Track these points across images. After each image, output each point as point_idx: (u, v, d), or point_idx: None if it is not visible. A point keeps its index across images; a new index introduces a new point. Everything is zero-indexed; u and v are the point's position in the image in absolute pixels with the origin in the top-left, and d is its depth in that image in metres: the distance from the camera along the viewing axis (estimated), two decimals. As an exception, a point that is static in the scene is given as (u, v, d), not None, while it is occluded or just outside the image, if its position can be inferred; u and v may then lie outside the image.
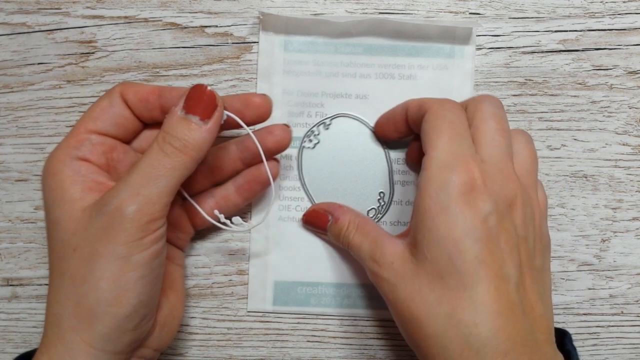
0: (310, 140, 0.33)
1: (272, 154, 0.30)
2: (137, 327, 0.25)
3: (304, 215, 0.33)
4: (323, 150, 0.34)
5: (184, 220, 0.31)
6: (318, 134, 0.33)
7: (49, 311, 0.26)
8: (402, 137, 0.32)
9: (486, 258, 0.24)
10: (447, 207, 0.24)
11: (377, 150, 0.34)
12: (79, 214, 0.25)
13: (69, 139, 0.27)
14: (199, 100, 0.25)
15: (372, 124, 0.33)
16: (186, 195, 0.30)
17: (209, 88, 0.25)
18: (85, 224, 0.25)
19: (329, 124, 0.33)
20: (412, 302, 0.25)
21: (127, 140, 0.29)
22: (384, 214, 0.34)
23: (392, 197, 0.34)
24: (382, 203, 0.34)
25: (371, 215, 0.33)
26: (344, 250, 0.32)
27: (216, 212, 0.29)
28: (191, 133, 0.25)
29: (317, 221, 0.32)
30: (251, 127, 0.29)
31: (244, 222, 0.30)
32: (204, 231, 0.34)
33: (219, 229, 0.31)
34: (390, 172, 0.34)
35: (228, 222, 0.29)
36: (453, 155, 0.25)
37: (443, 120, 0.26)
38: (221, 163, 0.31)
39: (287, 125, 0.30)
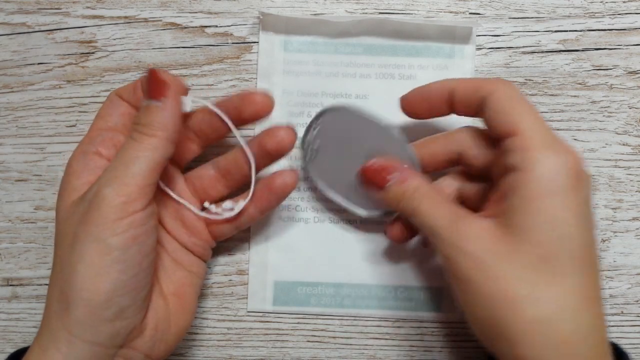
0: (309, 153, 0.32)
1: (275, 157, 0.30)
2: (116, 319, 0.25)
3: (364, 168, 0.29)
4: (326, 153, 0.32)
5: (200, 226, 0.31)
6: (313, 142, 0.32)
7: (46, 301, 0.27)
8: (436, 116, 0.30)
9: (592, 245, 0.24)
10: (559, 191, 0.24)
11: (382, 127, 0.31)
12: (70, 204, 0.26)
13: (84, 138, 0.29)
14: (151, 84, 0.26)
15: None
16: (164, 186, 0.30)
17: (160, 71, 0.27)
18: (72, 211, 0.26)
19: (317, 127, 0.32)
20: (509, 282, 0.24)
21: None
22: None
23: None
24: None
25: None
26: (344, 250, 0.32)
27: (206, 204, 0.31)
28: (151, 114, 0.26)
29: (376, 176, 0.29)
30: (248, 132, 0.29)
31: (232, 206, 0.30)
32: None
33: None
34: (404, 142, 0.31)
35: (213, 207, 0.30)
36: (551, 136, 0.25)
37: (523, 99, 0.26)
38: (230, 167, 0.30)
39: (291, 127, 0.29)
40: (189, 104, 0.28)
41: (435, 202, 0.27)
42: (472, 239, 0.25)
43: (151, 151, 0.25)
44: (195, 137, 0.30)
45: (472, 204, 0.29)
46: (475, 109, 0.27)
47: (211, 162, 0.31)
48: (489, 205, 0.27)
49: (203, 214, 0.30)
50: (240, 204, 0.30)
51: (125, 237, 0.25)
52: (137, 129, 0.26)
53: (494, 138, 0.27)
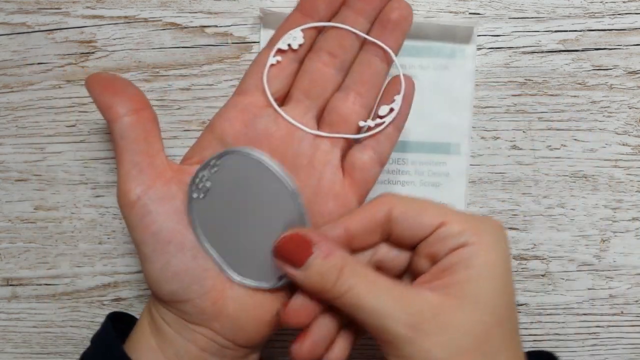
0: (199, 189, 0.26)
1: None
2: (173, 295, 0.26)
3: (277, 244, 0.24)
4: (215, 198, 0.26)
5: None
6: (206, 180, 0.26)
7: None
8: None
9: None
10: (503, 272, 0.24)
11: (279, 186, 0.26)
12: None
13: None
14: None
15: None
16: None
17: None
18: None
19: (215, 166, 0.26)
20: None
21: None
22: None
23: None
24: None
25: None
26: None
27: (361, 122, 0.28)
28: None
29: (294, 253, 0.24)
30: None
31: None
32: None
33: None
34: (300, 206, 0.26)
35: (369, 122, 0.27)
36: (468, 215, 0.25)
37: (421, 202, 0.25)
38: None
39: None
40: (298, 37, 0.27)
41: (371, 280, 0.23)
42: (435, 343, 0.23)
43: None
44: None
45: (390, 271, 0.27)
46: (379, 235, 0.25)
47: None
48: (429, 276, 0.24)
49: (366, 133, 0.27)
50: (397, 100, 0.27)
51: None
52: None
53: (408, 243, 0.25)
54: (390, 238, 0.26)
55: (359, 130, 0.28)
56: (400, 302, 0.23)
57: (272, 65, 0.27)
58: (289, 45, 0.27)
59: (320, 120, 0.28)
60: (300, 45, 0.27)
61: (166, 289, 0.26)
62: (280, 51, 0.27)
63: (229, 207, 0.26)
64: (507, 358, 0.23)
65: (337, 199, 0.27)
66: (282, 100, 0.28)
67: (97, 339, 0.28)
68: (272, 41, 0.28)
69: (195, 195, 0.26)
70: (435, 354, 0.22)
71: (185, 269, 0.25)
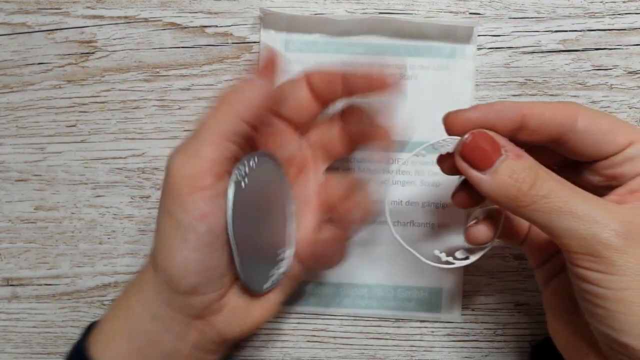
0: (243, 176, 0.25)
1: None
2: (190, 293, 0.25)
3: (463, 143, 0.23)
4: (248, 192, 0.26)
5: None
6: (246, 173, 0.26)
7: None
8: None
9: None
10: None
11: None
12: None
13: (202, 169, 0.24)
14: (264, 64, 0.25)
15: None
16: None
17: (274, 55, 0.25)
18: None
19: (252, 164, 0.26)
20: None
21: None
22: None
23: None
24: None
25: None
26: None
27: (436, 252, 0.27)
28: (227, 89, 0.25)
29: (481, 153, 0.23)
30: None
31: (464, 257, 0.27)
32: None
33: None
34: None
35: (443, 255, 0.27)
36: None
37: (608, 115, 0.24)
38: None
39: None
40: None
41: (570, 186, 0.22)
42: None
43: (215, 124, 0.24)
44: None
45: None
46: (550, 135, 0.24)
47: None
48: (615, 197, 0.24)
49: (436, 264, 0.27)
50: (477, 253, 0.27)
51: (193, 214, 0.23)
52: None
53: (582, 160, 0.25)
54: (564, 148, 0.24)
55: None
56: (609, 209, 0.21)
57: None
58: None
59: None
60: None
61: (190, 282, 0.24)
62: None
63: (252, 205, 0.26)
64: None
65: None
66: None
67: (71, 350, 0.28)
68: None
69: (238, 183, 0.25)
70: None
71: (216, 265, 0.25)
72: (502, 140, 0.23)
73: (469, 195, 0.26)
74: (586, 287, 0.22)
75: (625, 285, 0.21)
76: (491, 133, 0.23)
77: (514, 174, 0.22)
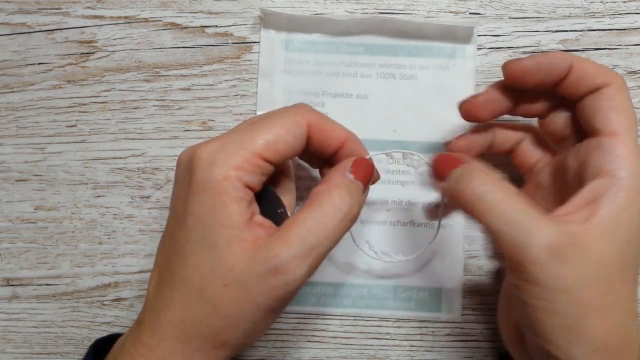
0: None
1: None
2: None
3: (434, 158, 0.27)
4: None
5: None
6: None
7: (164, 315, 0.24)
8: (537, 88, 0.27)
9: None
10: None
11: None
12: (243, 252, 0.23)
13: (238, 157, 0.24)
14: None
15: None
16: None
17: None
18: (251, 269, 0.23)
19: None
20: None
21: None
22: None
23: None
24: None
25: None
26: (344, 249, 0.31)
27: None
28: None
29: (444, 163, 0.26)
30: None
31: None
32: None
33: None
34: None
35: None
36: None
37: (630, 103, 0.25)
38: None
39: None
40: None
41: (511, 192, 0.23)
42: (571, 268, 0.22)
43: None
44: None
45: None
46: (582, 93, 0.25)
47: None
48: (570, 207, 0.24)
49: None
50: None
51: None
52: None
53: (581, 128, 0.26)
54: (535, 85, 0.26)
55: None
56: (544, 222, 0.22)
57: None
58: None
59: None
60: None
61: (241, 342, 0.24)
62: None
63: None
64: (627, 293, 0.23)
65: None
66: None
67: None
68: None
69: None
70: (568, 281, 0.22)
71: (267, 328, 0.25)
72: (466, 158, 0.26)
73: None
74: (515, 292, 0.23)
75: (545, 297, 0.22)
76: (453, 154, 0.27)
77: (458, 176, 0.25)
